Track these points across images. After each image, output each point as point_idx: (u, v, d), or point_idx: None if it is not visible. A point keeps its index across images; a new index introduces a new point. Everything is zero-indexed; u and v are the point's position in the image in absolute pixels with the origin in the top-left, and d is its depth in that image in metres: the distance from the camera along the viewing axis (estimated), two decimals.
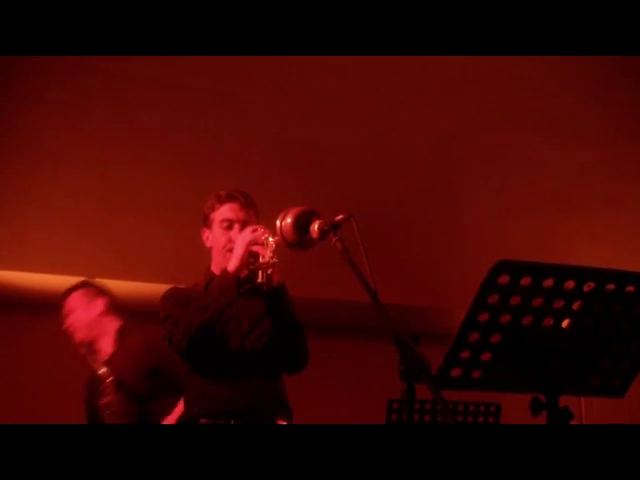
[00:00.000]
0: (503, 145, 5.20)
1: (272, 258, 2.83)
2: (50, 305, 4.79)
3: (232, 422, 2.87)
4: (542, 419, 2.00)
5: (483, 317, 1.92)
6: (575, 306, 1.97)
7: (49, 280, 4.51)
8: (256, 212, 3.14)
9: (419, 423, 3.01)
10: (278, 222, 2.60)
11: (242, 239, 2.90)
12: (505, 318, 1.94)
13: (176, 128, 4.61)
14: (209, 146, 4.68)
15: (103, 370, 3.64)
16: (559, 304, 1.96)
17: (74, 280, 4.46)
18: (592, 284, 1.96)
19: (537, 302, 1.94)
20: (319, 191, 4.56)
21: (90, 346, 3.78)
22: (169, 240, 4.43)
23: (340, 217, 2.39)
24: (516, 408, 2.37)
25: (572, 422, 2.03)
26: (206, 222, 3.15)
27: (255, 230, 2.89)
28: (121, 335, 3.82)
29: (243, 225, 3.03)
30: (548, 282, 1.91)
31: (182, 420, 2.98)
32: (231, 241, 3.04)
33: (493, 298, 1.90)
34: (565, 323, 2.00)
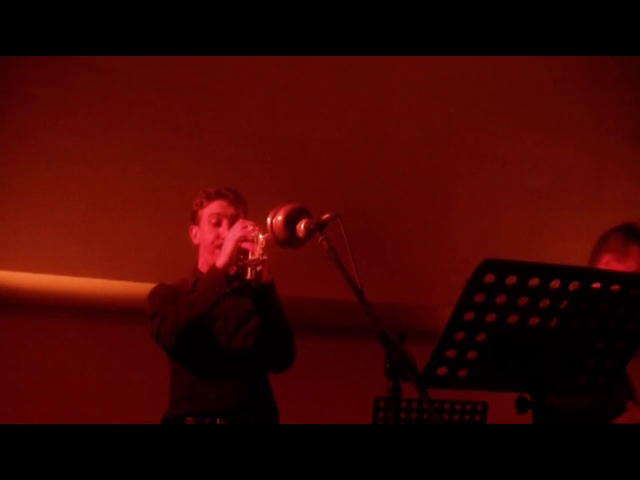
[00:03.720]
0: (490, 143, 5.20)
1: (262, 255, 2.83)
2: (37, 304, 4.77)
3: (218, 421, 2.87)
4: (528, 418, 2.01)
5: (469, 316, 1.92)
6: (561, 305, 1.98)
7: (36, 279, 4.49)
8: (245, 209, 3.13)
9: (406, 424, 3.00)
10: (269, 219, 2.58)
11: (232, 235, 2.89)
12: (491, 317, 1.94)
13: (164, 125, 4.59)
14: (198, 143, 4.66)
15: None
16: (545, 303, 1.96)
17: (61, 279, 4.43)
18: (577, 283, 1.96)
19: (523, 301, 1.93)
20: (307, 189, 4.56)
21: None
22: (158, 239, 4.41)
23: (326, 216, 2.39)
24: (503, 407, 2.37)
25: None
26: (194, 219, 3.14)
27: (245, 226, 2.88)
28: None
29: (232, 222, 3.02)
30: (534, 281, 1.91)
31: (168, 418, 2.98)
32: (219, 237, 3.03)
33: (479, 297, 1.90)
34: (551, 322, 2.00)
